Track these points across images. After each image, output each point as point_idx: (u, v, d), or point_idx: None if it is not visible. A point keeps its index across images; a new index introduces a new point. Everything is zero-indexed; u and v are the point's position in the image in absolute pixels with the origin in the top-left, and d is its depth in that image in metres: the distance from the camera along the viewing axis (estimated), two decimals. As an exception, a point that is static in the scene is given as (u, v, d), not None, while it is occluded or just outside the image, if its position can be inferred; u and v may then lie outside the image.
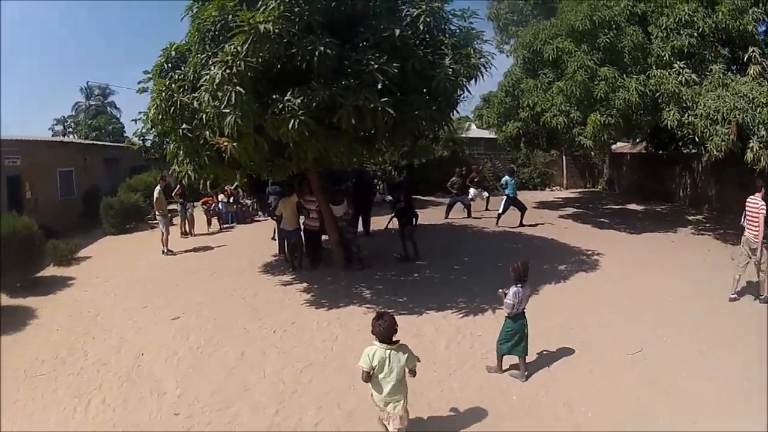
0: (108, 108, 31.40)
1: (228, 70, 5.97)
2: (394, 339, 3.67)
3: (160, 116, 6.96)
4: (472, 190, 15.03)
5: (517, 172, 14.27)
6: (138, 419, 4.57)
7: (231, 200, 14.93)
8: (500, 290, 5.04)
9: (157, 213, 11.32)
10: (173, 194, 12.50)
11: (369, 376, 3.66)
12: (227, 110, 6.02)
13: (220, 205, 14.50)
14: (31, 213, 12.67)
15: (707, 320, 6.25)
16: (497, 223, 12.58)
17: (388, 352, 3.62)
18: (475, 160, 19.88)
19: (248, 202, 15.64)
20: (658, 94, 10.08)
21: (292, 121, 5.87)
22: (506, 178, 12.90)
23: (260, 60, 6.06)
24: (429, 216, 13.96)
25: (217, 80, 6.01)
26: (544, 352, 5.51)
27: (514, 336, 4.94)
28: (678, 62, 9.96)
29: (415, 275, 8.68)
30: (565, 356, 5.42)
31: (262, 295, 7.89)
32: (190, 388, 5.05)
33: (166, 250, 11.09)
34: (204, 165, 7.09)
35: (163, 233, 11.15)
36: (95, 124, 27.92)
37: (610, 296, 7.22)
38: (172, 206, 13.04)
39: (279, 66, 6.36)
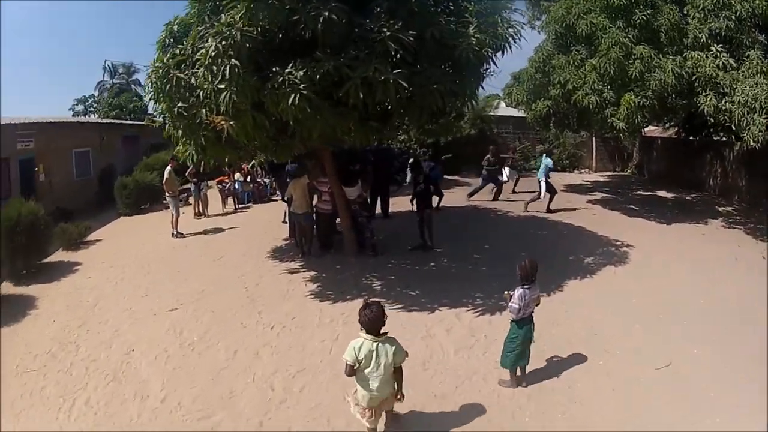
0: (132, 86, 31.15)
1: (224, 42, 5.40)
2: (382, 331, 3.43)
3: (157, 94, 6.49)
4: (506, 170, 14.17)
5: (547, 152, 13.33)
6: (117, 424, 4.22)
7: (248, 179, 14.41)
8: (506, 291, 4.48)
9: (167, 194, 10.92)
10: (186, 174, 12.09)
11: (353, 371, 3.42)
12: (222, 86, 5.48)
13: (236, 185, 13.98)
14: (43, 196, 12.75)
15: (742, 329, 5.50)
16: (548, 207, 11.82)
17: (375, 344, 3.38)
18: (503, 139, 18.98)
19: (266, 180, 15.10)
20: (694, 77, 9.23)
21: (293, 96, 5.26)
22: (546, 159, 12.11)
23: (259, 30, 5.48)
24: (453, 198, 13.26)
25: (211, 53, 5.45)
26: (566, 362, 4.90)
27: (521, 344, 4.37)
28: (715, 45, 9.13)
29: (431, 265, 8.05)
30: (587, 369, 4.80)
31: (265, 284, 7.43)
32: (174, 391, 4.67)
33: (176, 233, 10.72)
34: (203, 146, 6.57)
35: (173, 215, 10.76)
36: (116, 102, 27.73)
37: (639, 297, 6.48)
38: (187, 185, 12.81)
39: (281, 36, 5.73)
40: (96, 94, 30.16)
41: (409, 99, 5.88)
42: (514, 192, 14.30)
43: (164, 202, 14.06)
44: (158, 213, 13.56)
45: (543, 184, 11.73)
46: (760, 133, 8.19)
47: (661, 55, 9.46)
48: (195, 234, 10.84)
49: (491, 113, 19.34)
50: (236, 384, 4.76)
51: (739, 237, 9.64)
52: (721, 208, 12.18)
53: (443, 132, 8.73)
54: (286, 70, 5.37)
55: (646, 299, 6.40)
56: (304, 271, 7.88)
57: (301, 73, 5.29)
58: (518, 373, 4.52)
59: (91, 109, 30.02)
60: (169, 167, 11.01)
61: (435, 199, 10.75)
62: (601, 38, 9.66)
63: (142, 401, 4.55)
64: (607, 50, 9.39)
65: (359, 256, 8.31)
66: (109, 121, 20.52)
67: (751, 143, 8.41)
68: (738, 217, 11.21)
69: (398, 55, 5.45)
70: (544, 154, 12.53)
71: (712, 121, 10.13)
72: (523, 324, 4.37)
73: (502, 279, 6.91)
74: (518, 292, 4.28)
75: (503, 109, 19.64)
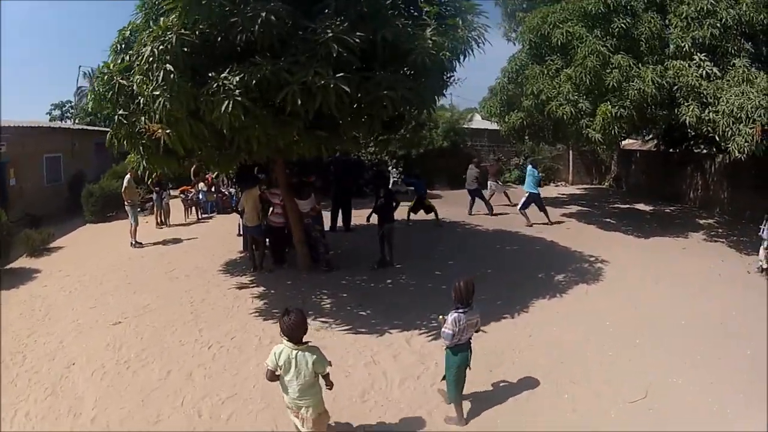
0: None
1: (160, 46, 5.01)
2: (304, 339, 3.36)
3: (98, 101, 6.18)
4: (491, 183, 13.75)
5: (524, 165, 12.81)
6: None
7: (212, 189, 13.96)
8: (440, 316, 4.09)
9: (126, 202, 10.41)
10: (148, 182, 11.61)
11: (274, 376, 3.40)
12: (157, 92, 5.07)
13: (199, 195, 13.51)
14: (14, 202, 12.25)
15: (725, 353, 5.08)
16: (529, 222, 11.43)
17: (294, 352, 3.32)
18: (476, 152, 18.60)
19: (232, 191, 14.63)
20: (676, 87, 8.93)
21: (227, 102, 4.83)
22: (531, 168, 11.68)
23: (197, 33, 5.11)
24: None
25: (148, 58, 5.07)
26: (526, 398, 4.42)
27: (458, 374, 3.98)
28: (698, 54, 8.84)
29: (387, 282, 7.57)
30: (551, 405, 4.30)
31: (212, 299, 6.98)
32: (104, 410, 4.44)
33: (134, 242, 10.23)
34: (143, 154, 6.13)
35: (131, 224, 10.27)
36: (91, 108, 26.98)
37: (613, 318, 6.02)
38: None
39: (220, 39, 5.32)
40: (75, 99, 29.49)
41: (358, 107, 5.47)
42: (510, 204, 13.85)
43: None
44: (123, 221, 12.81)
45: (524, 199, 11.45)
46: (746, 144, 7.80)
47: (640, 65, 9.16)
48: (154, 244, 10.37)
49: (465, 126, 19.23)
50: (164, 407, 4.42)
51: (721, 250, 9.27)
52: (702, 221, 11.87)
53: (407, 144, 8.33)
54: (222, 76, 4.95)
55: (620, 320, 5.96)
56: (252, 287, 7.42)
57: (237, 78, 4.87)
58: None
59: (68, 114, 29.36)
60: (128, 176, 10.52)
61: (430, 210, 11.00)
62: (577, 47, 9.36)
63: (75, 418, 4.37)
64: (583, 59, 9.08)
65: (312, 272, 7.85)
66: (81, 127, 19.88)
67: (737, 154, 8.00)
68: (720, 230, 10.87)
69: (345, 59, 5.01)
70: (530, 164, 11.97)
71: (693, 133, 9.84)
72: (458, 351, 3.95)
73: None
74: (452, 316, 3.87)
75: (478, 122, 19.58)
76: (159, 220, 12.12)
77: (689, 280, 7.37)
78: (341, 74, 4.89)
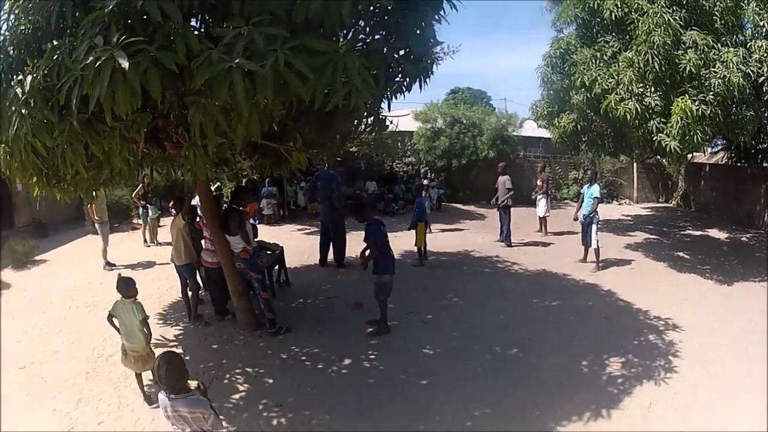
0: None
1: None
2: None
3: None
4: (542, 200, 10.85)
5: (593, 177, 8.64)
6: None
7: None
8: None
9: (95, 219, 8.70)
10: (133, 196, 9.99)
11: None
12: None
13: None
14: (21, 208, 11.29)
15: None
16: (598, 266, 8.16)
17: None
18: (530, 164, 15.70)
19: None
20: (762, 78, 6.31)
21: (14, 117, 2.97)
22: (592, 188, 8.18)
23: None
24: (454, 237, 10.33)
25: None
26: None
27: None
28: None
29: (346, 362, 4.97)
30: None
31: (117, 360, 4.86)
32: None
33: (105, 264, 8.58)
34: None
35: (102, 243, 8.60)
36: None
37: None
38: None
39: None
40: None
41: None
42: (541, 230, 11.08)
43: (131, 222, 12.37)
44: (122, 234, 11.60)
45: (595, 230, 8.01)
46: None
47: (719, 45, 6.44)
48: (126, 266, 8.62)
49: (515, 134, 15.95)
50: None
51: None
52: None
53: (376, 149, 5.89)
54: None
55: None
56: (172, 345, 5.32)
57: (29, 78, 2.93)
58: None
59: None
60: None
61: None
62: (637, 21, 6.58)
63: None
64: (647, 36, 6.27)
65: (254, 334, 5.54)
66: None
67: None
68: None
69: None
70: (591, 180, 8.38)
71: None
72: None
73: (458, 399, 4.13)
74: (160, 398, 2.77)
75: (532, 129, 16.30)
76: (145, 238, 10.39)
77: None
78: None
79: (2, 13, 3.35)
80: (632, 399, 4.18)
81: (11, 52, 3.42)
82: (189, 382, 2.73)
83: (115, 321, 4.13)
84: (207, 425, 2.67)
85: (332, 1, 2.62)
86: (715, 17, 6.65)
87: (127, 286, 4.11)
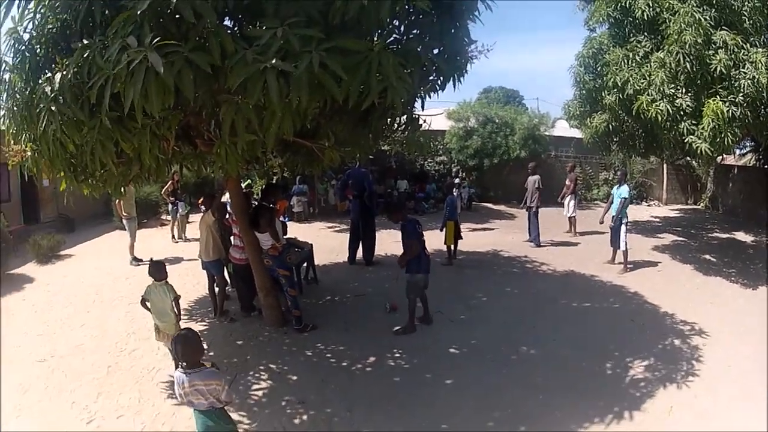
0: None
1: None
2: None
3: None
4: (569, 201, 10.78)
5: (622, 177, 8.48)
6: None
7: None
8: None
9: (122, 215, 8.89)
10: (162, 193, 10.16)
11: None
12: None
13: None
14: (47, 203, 11.54)
15: None
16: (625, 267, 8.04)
17: None
18: (561, 164, 15.54)
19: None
20: None
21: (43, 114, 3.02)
22: (621, 188, 8.04)
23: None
24: (484, 237, 10.29)
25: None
26: None
27: None
28: None
29: (370, 359, 4.92)
30: None
31: (142, 351, 5.14)
32: None
33: (132, 259, 8.75)
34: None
35: (129, 239, 8.78)
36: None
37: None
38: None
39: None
40: None
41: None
42: (571, 230, 10.94)
43: (160, 218, 12.60)
44: (151, 230, 11.80)
45: (624, 232, 7.92)
46: None
47: (748, 45, 6.35)
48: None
49: (547, 134, 15.77)
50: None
51: None
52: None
53: (408, 147, 5.87)
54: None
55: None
56: (196, 341, 5.33)
57: (58, 76, 2.95)
58: None
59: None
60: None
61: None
62: (668, 21, 6.48)
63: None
64: (678, 35, 6.18)
65: (279, 331, 5.55)
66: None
67: None
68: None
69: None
70: (621, 181, 8.24)
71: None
72: (200, 417, 2.86)
73: (482, 397, 4.11)
74: (176, 375, 2.90)
75: (564, 129, 16.19)
76: (174, 234, 10.58)
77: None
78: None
79: (28, 11, 3.41)
80: (654, 402, 4.09)
81: (38, 50, 3.49)
82: (203, 362, 2.83)
83: (147, 304, 4.40)
84: (222, 395, 2.80)
85: (371, 2, 2.61)
86: (744, 17, 6.52)
87: (159, 270, 4.39)
